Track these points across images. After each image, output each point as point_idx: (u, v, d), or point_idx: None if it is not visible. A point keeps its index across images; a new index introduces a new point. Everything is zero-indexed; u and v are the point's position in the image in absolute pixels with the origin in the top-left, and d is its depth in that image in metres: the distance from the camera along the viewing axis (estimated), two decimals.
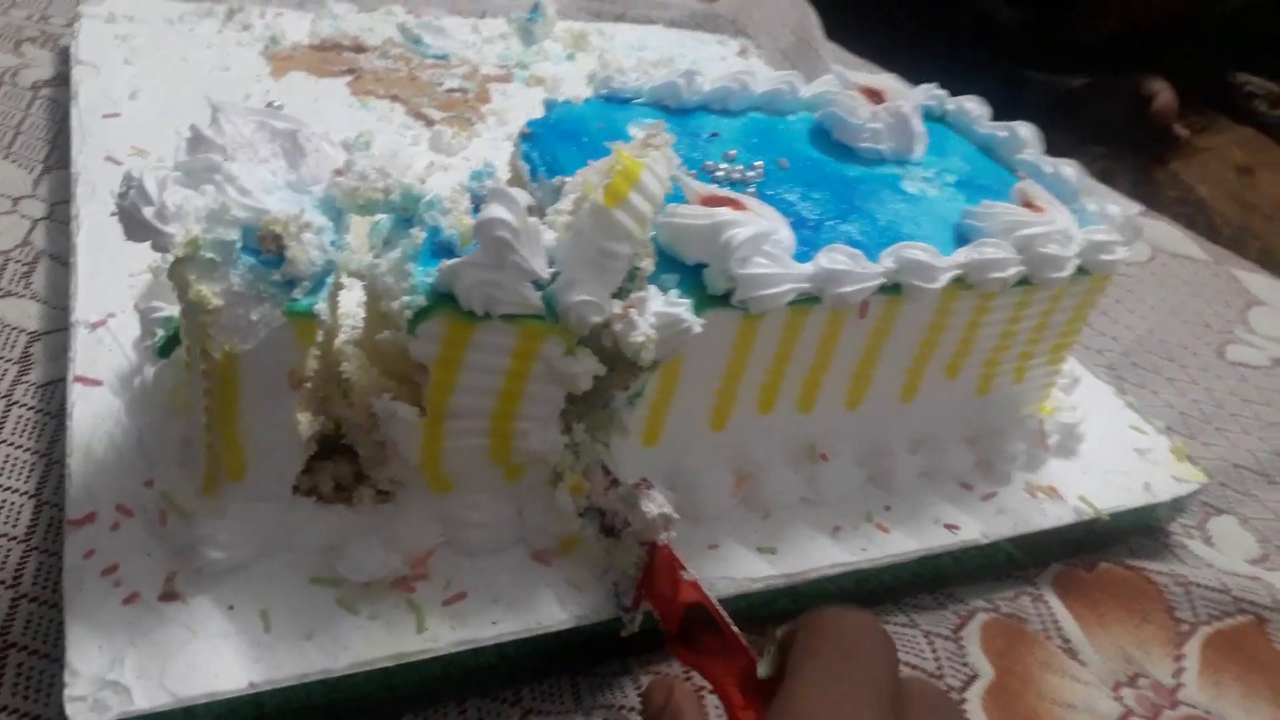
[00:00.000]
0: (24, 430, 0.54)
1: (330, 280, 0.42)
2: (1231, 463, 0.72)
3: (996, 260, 0.53)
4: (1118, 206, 0.59)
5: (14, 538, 0.49)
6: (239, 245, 0.41)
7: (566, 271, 0.42)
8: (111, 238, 0.60)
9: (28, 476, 0.52)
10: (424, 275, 0.42)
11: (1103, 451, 0.65)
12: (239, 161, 0.42)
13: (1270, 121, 1.50)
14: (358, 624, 0.44)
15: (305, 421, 0.45)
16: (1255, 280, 0.94)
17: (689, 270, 0.48)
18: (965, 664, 0.54)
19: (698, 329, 0.45)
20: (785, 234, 0.49)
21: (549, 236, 0.43)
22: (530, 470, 0.48)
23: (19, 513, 0.50)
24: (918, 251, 0.51)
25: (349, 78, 0.84)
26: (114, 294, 0.57)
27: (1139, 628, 0.58)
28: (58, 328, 0.59)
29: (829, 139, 0.61)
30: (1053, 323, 0.59)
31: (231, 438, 0.43)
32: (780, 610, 0.53)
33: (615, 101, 0.58)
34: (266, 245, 0.41)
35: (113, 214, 0.42)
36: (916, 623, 0.55)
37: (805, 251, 0.49)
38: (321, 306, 0.41)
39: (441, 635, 0.45)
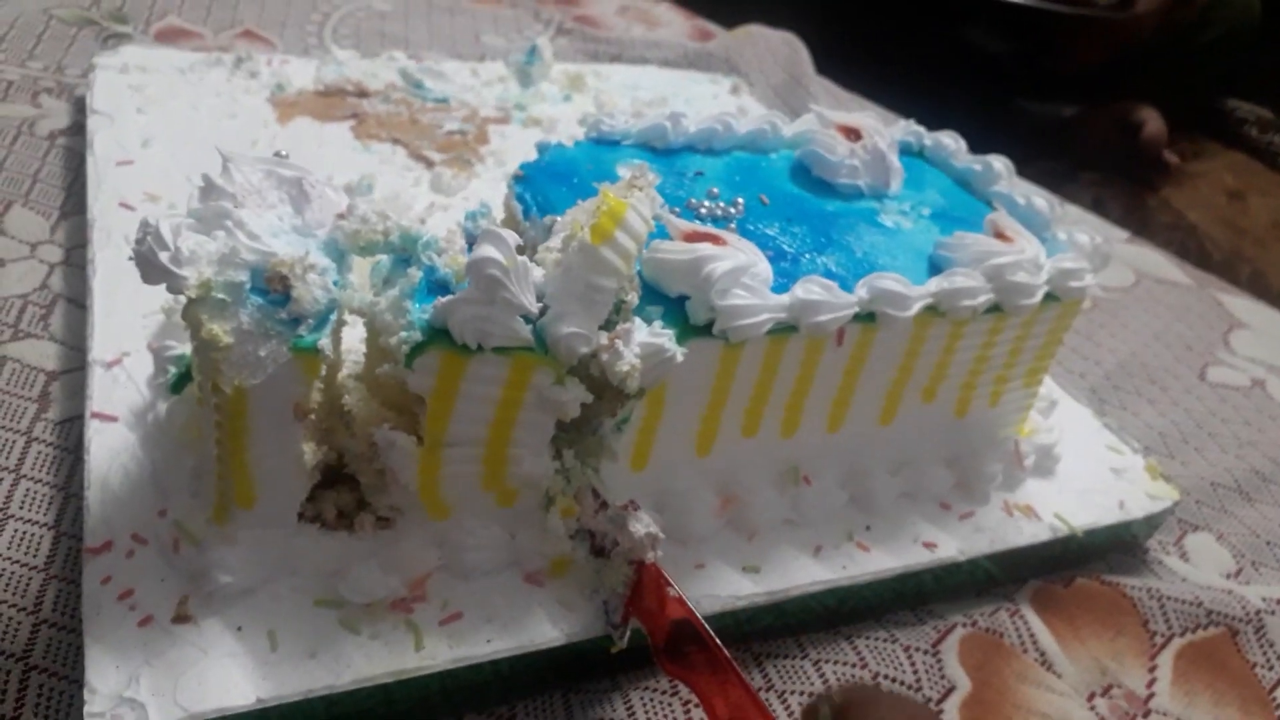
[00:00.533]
0: (43, 465, 0.57)
1: (333, 318, 0.45)
2: (1209, 481, 0.74)
3: (967, 289, 0.55)
4: (1087, 236, 0.62)
5: (35, 567, 0.51)
6: (248, 286, 0.43)
7: (556, 305, 0.45)
8: (126, 280, 0.63)
9: (47, 509, 0.54)
10: (420, 312, 0.45)
11: (1079, 471, 0.67)
12: (248, 208, 0.45)
13: (1260, 146, 1.53)
14: (359, 643, 0.47)
15: (309, 451, 0.47)
16: (1238, 304, 0.97)
17: (672, 303, 0.50)
18: (943, 676, 0.56)
19: (680, 358, 0.47)
20: (763, 267, 0.51)
21: (538, 273, 0.46)
22: (523, 496, 0.51)
23: (39, 543, 0.52)
24: (890, 282, 0.53)
25: (352, 122, 0.87)
26: (128, 334, 0.60)
27: (1113, 640, 0.60)
28: (75, 367, 0.62)
29: (809, 176, 0.63)
30: (1026, 348, 0.61)
31: (241, 467, 0.46)
32: (765, 627, 0.55)
33: (605, 143, 0.61)
34: (274, 285, 0.43)
35: (130, 258, 0.45)
36: (896, 638, 0.57)
37: (783, 283, 0.52)
38: (325, 342, 0.43)
39: (439, 653, 0.47)
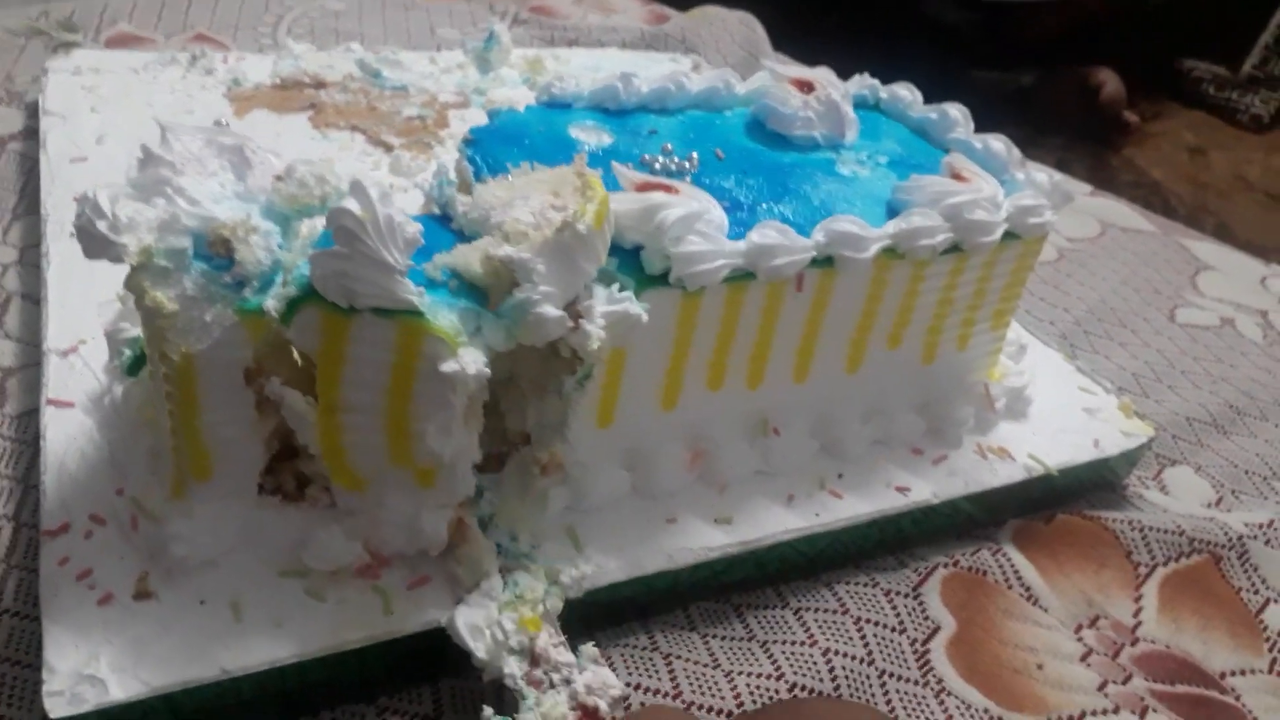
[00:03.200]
0: (1, 460, 0.56)
1: (278, 280, 0.44)
2: (1185, 416, 0.74)
3: (924, 228, 0.55)
4: (1045, 174, 0.62)
5: None
6: (190, 252, 0.43)
7: (542, 285, 0.43)
8: (80, 270, 0.63)
9: (5, 501, 0.54)
10: (303, 267, 0.43)
11: (1052, 413, 0.66)
12: (188, 175, 0.45)
13: (1219, 103, 1.54)
14: (326, 610, 0.46)
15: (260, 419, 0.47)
16: (1203, 248, 0.97)
17: (627, 253, 0.50)
18: (927, 618, 0.55)
19: (645, 318, 0.47)
20: (717, 214, 0.51)
21: (411, 230, 0.42)
22: (442, 477, 0.47)
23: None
24: (847, 224, 0.53)
25: (310, 112, 0.87)
26: (84, 323, 0.59)
27: (1098, 573, 0.60)
28: (31, 363, 0.61)
29: (764, 130, 0.63)
30: (990, 289, 0.61)
31: (194, 438, 0.45)
32: (741, 579, 0.55)
33: (556, 106, 0.61)
34: (216, 249, 0.43)
35: (72, 234, 0.44)
36: (877, 581, 0.57)
37: (740, 232, 0.52)
38: (270, 304, 0.43)
39: (409, 617, 0.46)
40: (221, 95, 0.87)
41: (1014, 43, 1.50)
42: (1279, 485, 0.68)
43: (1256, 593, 0.60)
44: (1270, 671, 0.57)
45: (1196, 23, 1.56)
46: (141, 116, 0.81)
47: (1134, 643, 0.57)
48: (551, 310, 0.44)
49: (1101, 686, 0.54)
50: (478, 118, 0.91)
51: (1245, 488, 0.68)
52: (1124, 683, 0.55)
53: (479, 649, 0.44)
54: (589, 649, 0.46)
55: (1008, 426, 0.65)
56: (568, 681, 0.45)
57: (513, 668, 0.45)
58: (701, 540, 0.53)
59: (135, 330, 0.54)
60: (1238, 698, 0.55)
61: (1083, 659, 0.55)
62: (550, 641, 0.46)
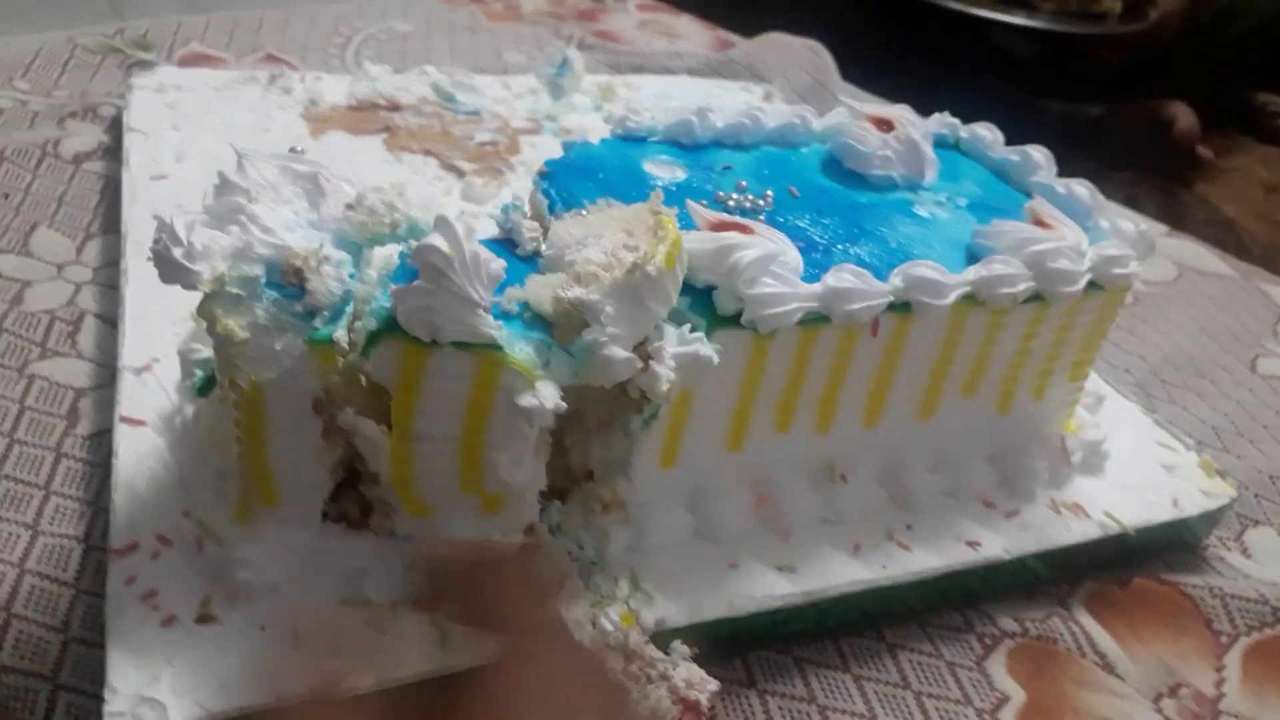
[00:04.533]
0: (73, 481, 0.56)
1: (349, 309, 0.44)
2: (1268, 474, 0.70)
3: (1006, 276, 0.53)
4: (1131, 223, 0.60)
5: (64, 582, 0.51)
6: (263, 280, 0.43)
7: (610, 327, 0.43)
8: (157, 288, 0.62)
9: (77, 523, 0.54)
10: (386, 300, 0.43)
11: (1130, 468, 0.64)
12: (262, 203, 0.45)
13: None
14: (384, 643, 0.46)
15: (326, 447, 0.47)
16: None
17: (699, 293, 0.49)
18: (994, 689, 0.54)
19: (716, 360, 0.46)
20: (792, 255, 0.50)
21: (495, 267, 0.43)
22: (510, 506, 0.48)
23: (68, 557, 0.52)
24: (926, 269, 0.52)
25: (384, 135, 0.88)
26: (159, 341, 0.60)
27: (1177, 640, 0.58)
28: (104, 384, 0.62)
29: (840, 168, 0.62)
30: (1070, 339, 0.59)
31: (262, 465, 0.45)
32: (803, 629, 0.54)
33: (631, 140, 0.61)
34: (288, 279, 0.43)
35: (148, 258, 0.45)
36: (941, 653, 0.55)
37: (815, 274, 0.51)
38: (341, 334, 0.43)
39: (464, 651, 0.46)
40: (298, 115, 0.88)
41: (1082, 74, 1.47)
42: None
43: None
44: None
45: (1272, 55, 1.52)
46: (220, 135, 0.82)
47: (1216, 716, 0.54)
48: (619, 352, 0.44)
49: None
50: (549, 144, 0.91)
51: None
52: None
53: (585, 641, 0.45)
54: (679, 646, 0.47)
55: (1083, 481, 0.62)
56: (665, 677, 0.45)
57: (613, 662, 0.45)
58: (764, 588, 0.51)
59: (207, 351, 0.55)
60: None
61: None
62: (642, 639, 0.46)
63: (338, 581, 0.48)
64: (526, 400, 0.43)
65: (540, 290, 0.45)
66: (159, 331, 0.60)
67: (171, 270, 0.43)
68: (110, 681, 0.42)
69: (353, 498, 0.49)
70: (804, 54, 1.17)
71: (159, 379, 0.58)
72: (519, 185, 0.84)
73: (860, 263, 0.53)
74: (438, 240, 0.41)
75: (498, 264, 0.42)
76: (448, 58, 1.10)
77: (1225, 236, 1.23)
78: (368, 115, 0.90)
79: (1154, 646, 0.57)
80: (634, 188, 0.56)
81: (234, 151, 0.47)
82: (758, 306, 0.48)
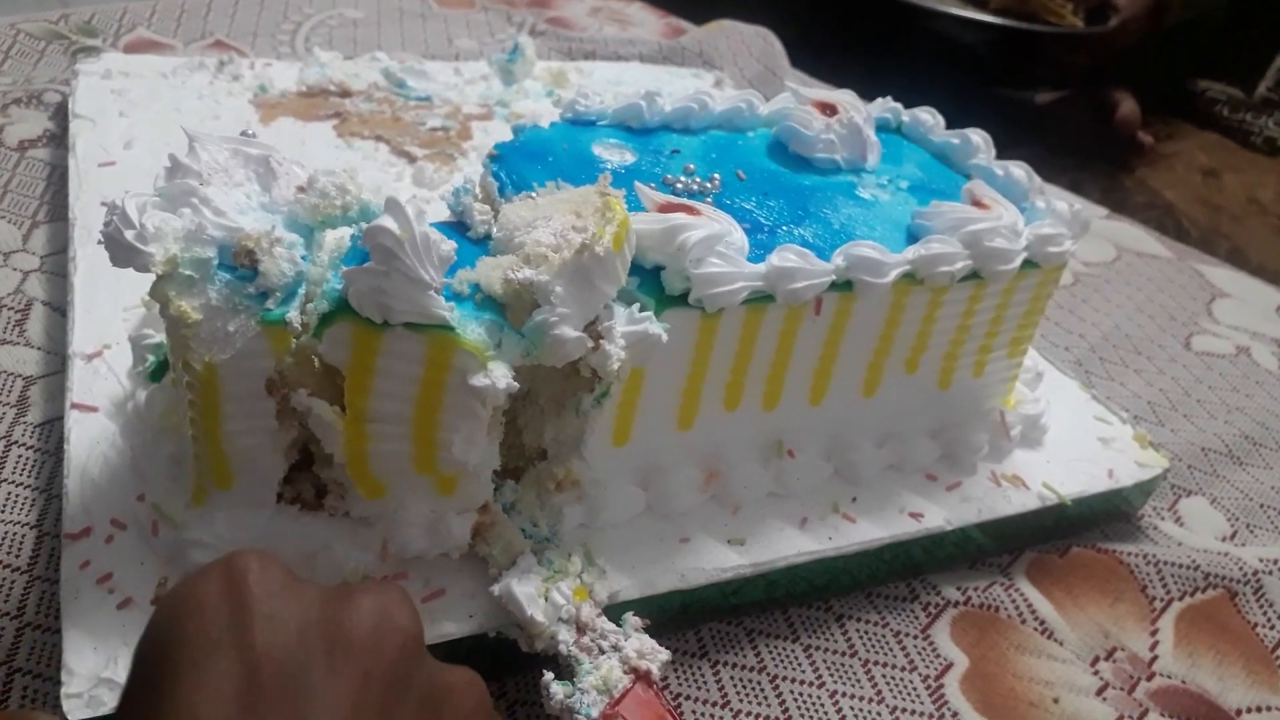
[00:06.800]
0: (24, 469, 0.56)
1: (301, 291, 0.44)
2: (1200, 446, 0.73)
3: (944, 255, 0.55)
4: (1065, 203, 0.62)
5: (17, 569, 0.51)
6: (215, 262, 0.43)
7: (561, 307, 0.44)
8: (107, 276, 0.63)
9: (28, 509, 0.54)
10: (334, 282, 0.44)
11: (1067, 442, 0.66)
12: (214, 186, 0.45)
13: (1232, 125, 1.53)
14: None
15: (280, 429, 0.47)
16: (1219, 274, 0.97)
17: (647, 273, 0.50)
18: (938, 655, 0.56)
19: (665, 338, 0.47)
20: (738, 236, 0.51)
21: (446, 248, 0.43)
22: (462, 485, 0.49)
23: (20, 543, 0.52)
24: (866, 249, 0.53)
25: (335, 121, 0.88)
26: (109, 327, 0.60)
27: (1113, 606, 0.60)
28: (53, 371, 0.62)
29: (785, 152, 0.63)
30: (1008, 316, 0.61)
31: (216, 447, 0.46)
32: (753, 600, 0.55)
33: (580, 124, 0.61)
34: (240, 260, 0.43)
35: (99, 241, 0.45)
36: (887, 622, 0.57)
37: (760, 254, 0.52)
38: (293, 315, 0.43)
39: (427, 629, 0.46)
40: (248, 102, 0.88)
41: (1039, 70, 1.49)
42: None
43: (1273, 628, 0.60)
44: None
45: (1211, 44, 1.56)
46: (169, 121, 0.82)
47: (1150, 677, 0.57)
48: (570, 332, 0.45)
49: None
50: (501, 130, 0.92)
51: (1260, 521, 0.68)
52: (1140, 718, 0.54)
53: (537, 614, 0.46)
54: (631, 618, 0.48)
55: (1022, 454, 0.65)
56: (616, 648, 0.46)
57: (564, 635, 0.46)
58: (715, 561, 0.53)
59: (159, 336, 0.55)
60: None
61: (1099, 693, 0.55)
62: (594, 612, 0.47)
63: (293, 562, 0.47)
64: (479, 380, 0.44)
65: (490, 272, 0.46)
66: (109, 318, 0.60)
67: (123, 253, 0.43)
68: (67, 663, 0.43)
69: (307, 480, 0.50)
70: (754, 41, 1.18)
71: (110, 365, 0.58)
72: (471, 170, 0.84)
73: (804, 243, 0.54)
74: (388, 222, 0.41)
75: (448, 245, 0.43)
76: (399, 43, 1.10)
77: (1165, 220, 1.27)
78: (318, 101, 0.90)
79: (1091, 612, 0.60)
80: (584, 171, 0.56)
81: (185, 134, 0.47)
82: (704, 285, 0.49)
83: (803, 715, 0.51)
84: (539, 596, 0.47)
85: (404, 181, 0.82)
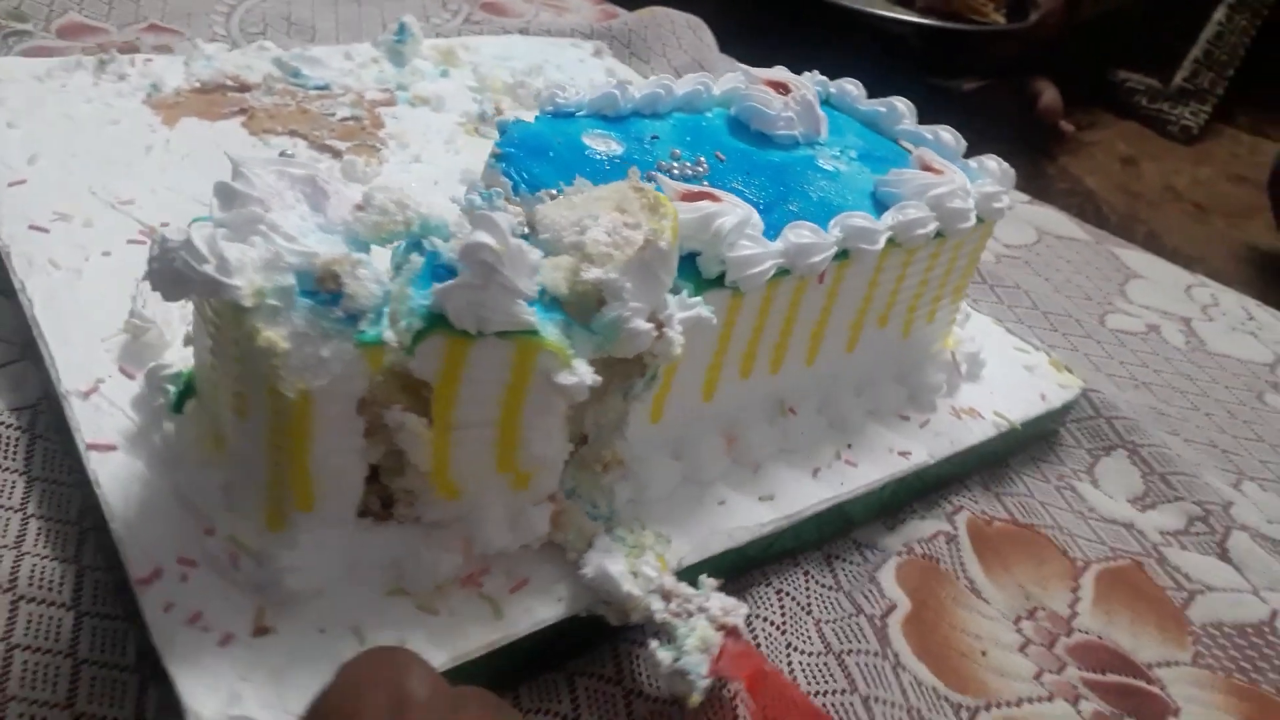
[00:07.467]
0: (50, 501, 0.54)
1: (387, 309, 0.45)
2: (1110, 418, 0.79)
3: (918, 219, 0.61)
4: (994, 161, 0.69)
5: (60, 604, 0.50)
6: (297, 289, 0.43)
7: (632, 301, 0.46)
8: (68, 305, 0.60)
9: (66, 544, 0.52)
10: (422, 298, 0.45)
11: (999, 373, 0.75)
12: (274, 211, 0.45)
13: (1150, 115, 1.65)
14: (442, 623, 0.48)
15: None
16: (1133, 256, 1.05)
17: (683, 260, 0.53)
18: (884, 597, 0.60)
19: (715, 321, 0.51)
20: (757, 218, 0.55)
21: (534, 257, 0.46)
22: (536, 480, 0.51)
23: (60, 579, 0.51)
24: (859, 219, 0.58)
25: (242, 118, 0.84)
26: (94, 361, 0.57)
27: (1038, 568, 0.66)
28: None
29: (748, 130, 0.67)
30: (956, 267, 0.68)
31: (302, 471, 0.46)
32: (781, 550, 0.60)
33: (562, 116, 0.63)
34: (327, 285, 0.43)
35: (144, 278, 0.44)
36: (835, 572, 0.61)
37: (771, 233, 0.56)
38: (389, 334, 0.44)
39: (520, 619, 0.49)
40: (141, 103, 0.83)
41: (965, 62, 1.54)
42: (1196, 486, 0.74)
43: (1180, 590, 0.67)
44: (1193, 664, 0.62)
45: (1131, 35, 1.65)
46: (66, 130, 0.77)
47: (1069, 633, 0.62)
48: (643, 324, 0.47)
49: (1038, 675, 0.59)
50: (410, 115, 0.91)
51: (1164, 492, 0.74)
52: (1059, 672, 0.59)
53: (633, 589, 0.49)
54: (706, 579, 0.51)
55: (969, 389, 0.73)
56: (702, 609, 0.50)
57: (657, 605, 0.49)
58: (754, 517, 0.57)
59: (178, 365, 0.53)
60: (1163, 688, 0.60)
61: (1021, 649, 0.60)
62: (673, 579, 0.51)
63: (377, 574, 0.49)
64: (565, 378, 0.46)
65: (553, 273, 0.48)
66: (91, 350, 0.58)
67: (190, 288, 0.43)
68: (191, 708, 0.42)
69: (373, 491, 0.50)
70: (684, 30, 1.21)
71: (109, 399, 0.55)
72: (395, 160, 0.84)
73: (797, 217, 0.58)
74: (486, 237, 0.43)
75: (534, 254, 0.45)
76: (333, 27, 1.06)
77: (1086, 206, 1.37)
78: (217, 98, 0.86)
79: (1017, 575, 0.65)
80: (586, 163, 0.59)
81: (230, 160, 0.46)
82: (739, 268, 0.53)
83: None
84: (629, 572, 0.50)
85: (335, 176, 0.80)
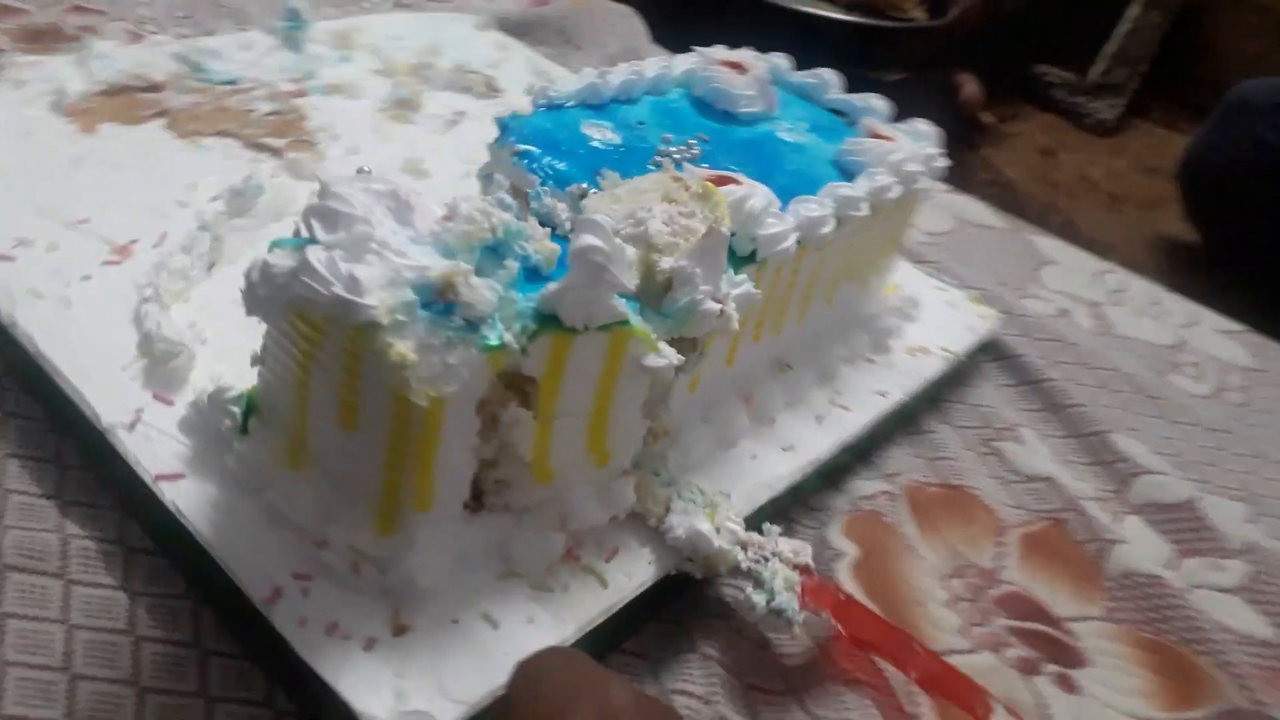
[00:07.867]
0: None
1: (498, 314, 0.47)
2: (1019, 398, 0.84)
3: (886, 184, 0.68)
4: (924, 124, 0.77)
5: (181, 642, 0.50)
6: (418, 303, 0.45)
7: (702, 285, 0.51)
8: (67, 334, 0.58)
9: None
10: (525, 300, 0.48)
11: (930, 311, 0.83)
12: (376, 229, 0.46)
13: (1068, 107, 1.72)
14: (561, 598, 0.51)
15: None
16: (1048, 244, 1.09)
17: None
18: (829, 547, 0.64)
19: (761, 296, 0.56)
20: (775, 196, 0.60)
21: (631, 253, 0.50)
22: (615, 454, 0.55)
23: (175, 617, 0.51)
24: (845, 189, 0.65)
25: (162, 120, 0.81)
26: (126, 390, 0.56)
27: (967, 528, 0.69)
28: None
29: (713, 109, 0.72)
30: (899, 220, 0.76)
31: (427, 473, 0.48)
32: (806, 492, 0.66)
33: (554, 108, 0.65)
34: (446, 296, 0.45)
35: (239, 302, 0.45)
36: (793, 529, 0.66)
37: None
38: (509, 338, 0.46)
39: (625, 585, 0.53)
40: (47, 110, 0.78)
41: (887, 55, 1.57)
42: (1106, 456, 0.77)
43: (1097, 550, 0.70)
44: (1105, 619, 0.65)
45: (1051, 30, 1.70)
46: None
47: (994, 585, 0.65)
48: (714, 305, 0.52)
49: (965, 630, 0.62)
50: (329, 104, 0.90)
51: (1077, 448, 0.79)
52: (984, 623, 0.62)
53: (723, 544, 0.54)
54: (770, 527, 0.57)
55: (913, 329, 0.81)
56: (775, 554, 0.55)
57: (740, 556, 0.55)
58: (784, 467, 0.63)
59: (240, 388, 0.53)
60: (1078, 640, 0.63)
61: (948, 604, 0.63)
62: (745, 531, 0.56)
63: (488, 563, 0.52)
64: (654, 361, 0.50)
65: None
66: (115, 379, 0.57)
67: (323, 308, 0.44)
68: (364, 713, 0.44)
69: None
70: (617, 20, 1.21)
71: (156, 427, 0.54)
72: (333, 155, 0.83)
73: (786, 190, 0.64)
74: (594, 240, 0.46)
75: (631, 251, 0.48)
76: (261, 10, 1.03)
77: (1006, 196, 1.41)
78: (129, 100, 0.82)
79: (947, 536, 0.68)
80: (591, 153, 0.62)
81: (319, 183, 0.46)
82: (770, 244, 0.58)
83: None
84: (714, 528, 0.55)
85: (281, 177, 0.78)
